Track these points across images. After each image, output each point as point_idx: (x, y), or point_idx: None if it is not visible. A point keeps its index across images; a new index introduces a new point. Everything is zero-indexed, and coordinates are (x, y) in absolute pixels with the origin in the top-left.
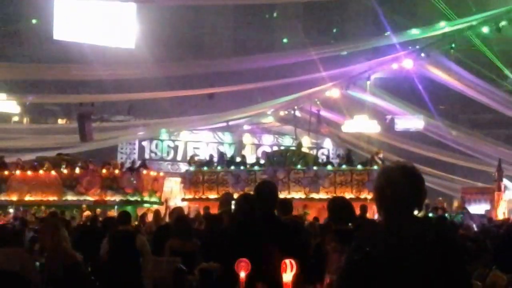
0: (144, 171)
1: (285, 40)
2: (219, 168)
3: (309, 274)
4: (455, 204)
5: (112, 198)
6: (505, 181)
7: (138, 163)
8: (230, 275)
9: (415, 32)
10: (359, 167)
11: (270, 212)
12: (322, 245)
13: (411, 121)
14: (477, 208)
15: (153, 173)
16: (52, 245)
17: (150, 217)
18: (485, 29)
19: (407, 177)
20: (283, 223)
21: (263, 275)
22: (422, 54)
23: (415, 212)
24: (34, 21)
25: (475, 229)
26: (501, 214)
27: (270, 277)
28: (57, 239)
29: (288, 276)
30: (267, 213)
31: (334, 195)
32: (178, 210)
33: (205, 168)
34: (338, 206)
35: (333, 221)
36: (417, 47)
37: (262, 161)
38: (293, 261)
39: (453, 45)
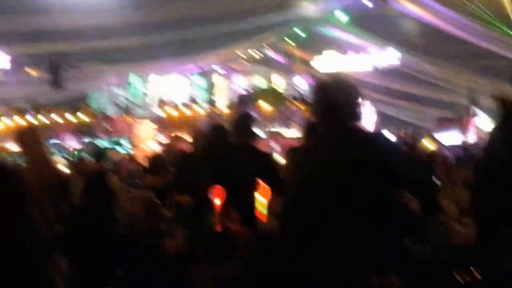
0: (118, 116)
1: None
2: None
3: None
4: (428, 135)
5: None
6: (476, 110)
7: (109, 109)
8: (204, 204)
9: None
10: None
11: (247, 140)
12: None
13: (386, 57)
14: (450, 137)
15: (126, 118)
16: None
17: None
18: None
19: (342, 89)
20: (261, 151)
21: (237, 201)
22: None
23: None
24: None
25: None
26: (471, 139)
27: (244, 202)
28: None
29: (261, 197)
30: (244, 141)
31: None
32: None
33: (177, 111)
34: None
35: None
36: None
37: (234, 104)
38: (266, 184)
39: None
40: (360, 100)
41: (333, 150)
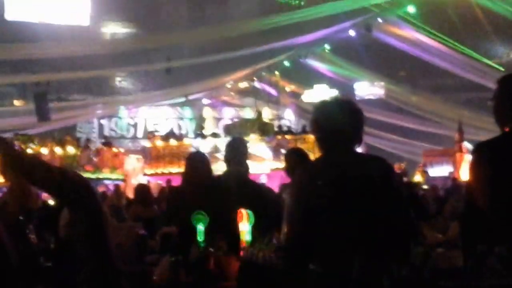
0: (105, 148)
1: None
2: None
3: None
4: (418, 168)
5: None
6: (466, 144)
7: (96, 141)
8: (188, 233)
9: None
10: None
11: (235, 167)
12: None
13: (371, 88)
14: (440, 170)
15: (113, 150)
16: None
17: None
18: None
19: (346, 111)
20: (249, 180)
21: (221, 229)
22: (379, 20)
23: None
24: None
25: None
26: (464, 175)
27: (229, 231)
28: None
29: (244, 226)
30: (232, 168)
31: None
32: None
33: (165, 143)
34: (295, 158)
35: (289, 173)
36: (374, 12)
37: (222, 135)
38: (249, 212)
39: (411, 9)
40: (363, 124)
41: (343, 170)
